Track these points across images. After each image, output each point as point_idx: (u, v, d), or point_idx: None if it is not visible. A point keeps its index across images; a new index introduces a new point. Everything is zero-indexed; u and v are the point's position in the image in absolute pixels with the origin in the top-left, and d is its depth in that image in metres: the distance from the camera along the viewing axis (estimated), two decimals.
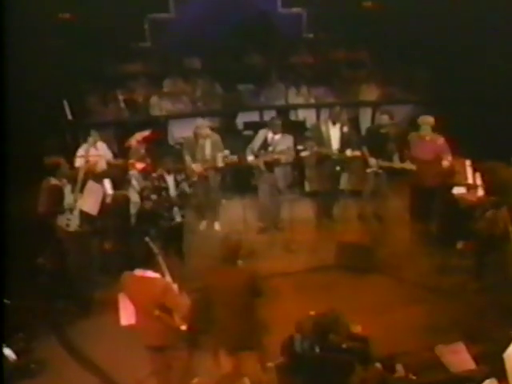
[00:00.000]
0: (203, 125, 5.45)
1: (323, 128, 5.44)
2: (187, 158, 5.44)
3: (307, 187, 6.49)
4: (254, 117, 7.24)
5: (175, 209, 4.79)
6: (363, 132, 6.37)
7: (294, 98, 7.48)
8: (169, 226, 4.79)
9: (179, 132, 6.87)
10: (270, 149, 5.27)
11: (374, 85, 7.51)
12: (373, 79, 7.54)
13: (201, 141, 5.45)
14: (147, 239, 3.35)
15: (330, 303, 4.15)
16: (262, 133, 5.34)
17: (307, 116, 7.39)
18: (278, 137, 5.23)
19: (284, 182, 5.48)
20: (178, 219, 4.84)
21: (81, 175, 4.30)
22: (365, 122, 7.43)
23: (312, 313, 3.31)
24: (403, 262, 5.02)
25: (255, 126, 6.53)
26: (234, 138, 6.54)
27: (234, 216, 5.82)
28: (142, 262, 3.20)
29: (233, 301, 3.19)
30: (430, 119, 5.11)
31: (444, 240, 5.01)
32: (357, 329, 3.04)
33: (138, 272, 3.19)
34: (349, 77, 7.78)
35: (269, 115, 6.95)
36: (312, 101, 7.51)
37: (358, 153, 5.50)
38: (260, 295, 3.28)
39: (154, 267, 3.23)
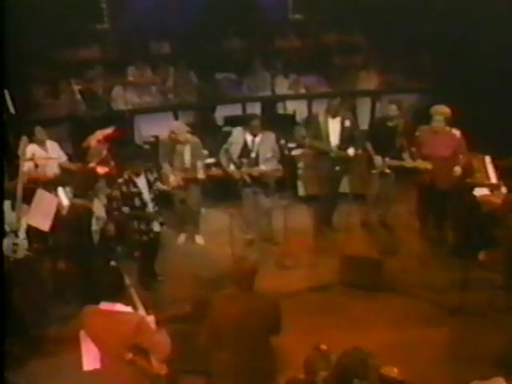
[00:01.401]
0: (181, 129, 5.21)
1: (321, 122, 5.25)
2: (165, 167, 5.23)
3: (301, 191, 6.40)
4: (235, 110, 7.16)
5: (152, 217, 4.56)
6: (361, 125, 6.32)
7: (281, 87, 7.46)
8: (142, 240, 4.56)
9: (148, 129, 6.79)
10: (253, 155, 5.10)
11: (373, 72, 7.51)
12: (371, 66, 7.54)
13: (179, 147, 5.23)
14: (114, 264, 3.11)
15: (335, 329, 4.11)
16: (237, 133, 5.17)
17: (297, 108, 7.36)
18: (258, 139, 5.07)
19: (269, 188, 5.26)
20: (157, 229, 4.61)
21: (20, 184, 3.89)
22: (363, 114, 7.36)
23: (323, 347, 2.99)
24: (417, 278, 4.88)
25: (237, 121, 6.41)
26: (212, 135, 6.39)
27: (216, 227, 5.61)
28: (109, 292, 2.88)
29: (245, 337, 2.90)
30: (446, 109, 4.95)
31: (464, 250, 4.84)
32: (392, 372, 2.72)
33: (104, 306, 2.86)
34: (343, 63, 7.78)
35: (253, 108, 7.06)
36: (302, 91, 7.47)
37: (360, 150, 5.39)
38: (278, 331, 3.02)
39: (124, 299, 2.93)
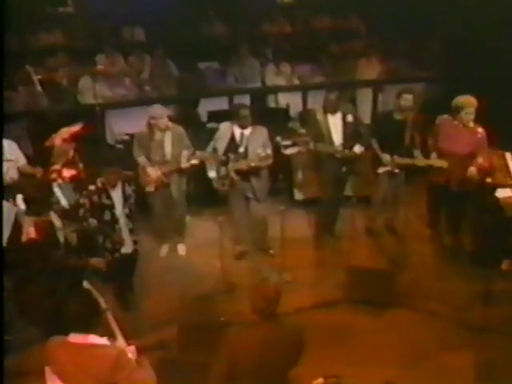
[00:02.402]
0: (162, 113, 5.02)
1: (320, 120, 5.09)
2: (141, 159, 5.05)
3: (297, 194, 6.29)
4: (221, 104, 6.97)
5: (124, 233, 4.36)
6: (363, 120, 6.23)
7: (272, 78, 7.39)
8: (112, 257, 4.37)
9: (121, 126, 6.63)
10: (241, 150, 4.93)
11: (374, 59, 7.48)
12: (372, 52, 7.52)
13: (158, 135, 5.03)
14: (87, 285, 2.86)
15: (341, 354, 4.03)
16: (224, 128, 5.03)
17: (290, 101, 7.25)
18: (248, 132, 4.91)
19: (262, 189, 5.15)
20: (128, 250, 4.44)
21: None
22: (364, 106, 7.29)
23: (333, 380, 2.82)
24: (433, 291, 4.82)
25: (223, 116, 6.21)
26: (195, 132, 6.17)
27: (202, 238, 5.57)
28: (80, 320, 2.66)
29: (265, 373, 2.73)
30: (474, 100, 4.78)
31: (484, 258, 4.73)
32: None
33: (75, 338, 2.64)
34: (340, 50, 7.78)
35: (241, 101, 6.70)
36: (296, 82, 7.43)
37: (363, 148, 5.26)
38: (296, 364, 2.85)
39: (99, 328, 2.74)
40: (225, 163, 4.93)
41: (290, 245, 5.03)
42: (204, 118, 6.98)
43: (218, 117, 6.57)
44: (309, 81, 7.41)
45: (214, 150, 5.01)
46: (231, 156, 4.91)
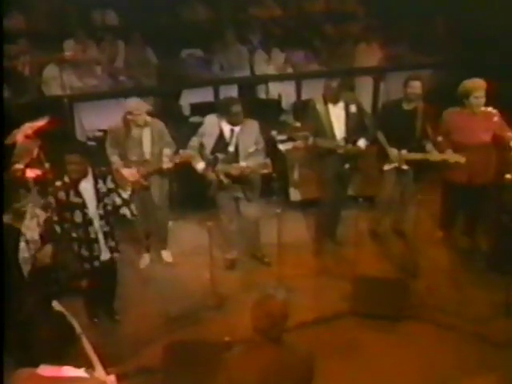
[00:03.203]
0: (140, 108, 4.90)
1: (320, 111, 5.01)
2: (115, 159, 4.95)
3: (294, 195, 6.25)
4: (205, 95, 6.91)
5: (100, 239, 4.21)
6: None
7: (262, 66, 7.38)
8: (86, 269, 4.25)
9: (92, 121, 6.53)
10: (231, 149, 4.83)
11: (374, 45, 7.49)
12: (372, 37, 7.52)
13: (135, 131, 4.91)
14: (58, 306, 2.77)
15: (347, 374, 3.95)
16: (210, 122, 4.92)
17: (282, 92, 7.23)
18: (238, 129, 4.81)
19: (254, 190, 5.08)
20: (105, 257, 4.28)
21: None
22: (364, 96, 7.18)
23: None
24: (449, 301, 4.78)
25: (208, 110, 6.12)
26: (177, 127, 6.13)
27: (188, 245, 5.55)
28: (52, 350, 2.51)
29: None
30: (482, 83, 4.77)
31: (504, 264, 4.70)
32: None
33: (45, 370, 2.48)
34: (336, 35, 7.79)
35: (227, 92, 6.68)
36: (288, 70, 7.40)
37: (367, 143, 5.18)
38: None
39: (74, 356, 2.60)
40: (213, 163, 4.81)
41: (287, 252, 5.01)
42: (186, 112, 6.92)
43: (201, 110, 6.47)
44: (303, 69, 7.38)
45: (201, 145, 4.90)
46: (220, 156, 4.80)
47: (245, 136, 4.83)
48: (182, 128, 6.29)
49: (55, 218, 4.09)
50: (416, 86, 4.98)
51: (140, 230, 5.29)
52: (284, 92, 7.18)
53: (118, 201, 4.23)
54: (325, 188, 5.28)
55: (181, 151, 4.84)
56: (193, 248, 5.41)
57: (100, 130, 6.28)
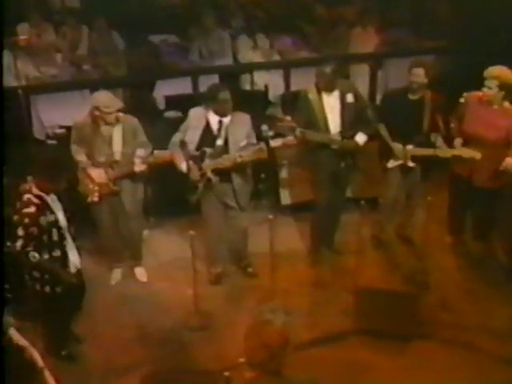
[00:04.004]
0: (110, 102, 4.74)
1: (313, 101, 4.93)
2: (80, 158, 4.81)
3: (284, 198, 6.19)
4: (182, 87, 6.87)
5: (71, 254, 4.08)
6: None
7: (246, 53, 7.34)
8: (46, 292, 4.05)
9: (53, 116, 6.40)
10: (219, 142, 4.75)
11: (370, 28, 7.51)
12: (367, 20, 7.52)
13: (104, 128, 4.76)
14: (13, 333, 2.69)
15: None
16: (196, 115, 4.86)
17: (269, 82, 7.16)
18: (227, 120, 4.77)
19: (246, 193, 5.01)
20: (73, 269, 4.15)
21: None
22: (360, 86, 6.87)
23: None
24: (464, 316, 4.72)
25: (186, 103, 6.25)
26: (150, 124, 5.96)
27: (167, 257, 5.50)
28: None
29: None
30: (499, 72, 4.72)
31: None
32: None
33: None
34: (328, 18, 7.78)
35: (207, 83, 6.47)
36: (276, 57, 7.36)
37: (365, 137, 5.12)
38: None
39: None
40: (199, 160, 4.70)
41: (279, 262, 4.88)
42: (161, 105, 6.85)
43: (178, 103, 6.51)
44: (291, 56, 7.37)
45: (182, 143, 4.77)
46: (207, 151, 4.69)
47: (235, 128, 4.76)
48: (156, 124, 6.24)
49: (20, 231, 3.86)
50: (419, 74, 4.94)
51: (110, 242, 5.16)
52: (271, 82, 7.13)
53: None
54: (319, 189, 5.21)
55: (156, 152, 4.74)
56: (172, 260, 5.38)
57: (62, 127, 6.14)
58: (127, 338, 4.54)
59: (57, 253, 3.97)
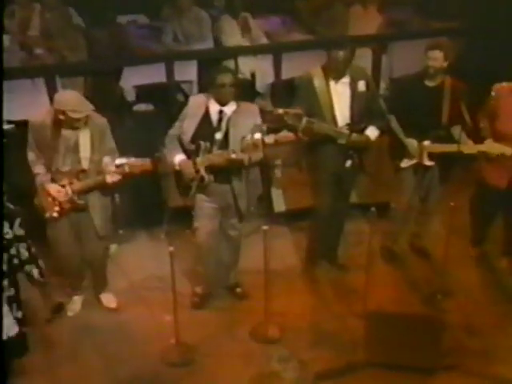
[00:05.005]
0: (78, 107, 4.49)
1: (318, 88, 4.80)
2: (38, 170, 4.62)
3: (278, 204, 6.15)
4: (155, 75, 6.70)
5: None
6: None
7: (229, 36, 7.19)
8: None
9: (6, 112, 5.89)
10: (218, 136, 4.60)
11: (371, 8, 7.47)
12: None
13: (68, 133, 4.54)
14: None
15: None
16: (195, 103, 4.74)
17: (257, 69, 7.11)
18: (230, 109, 4.65)
19: (248, 197, 4.85)
20: (12, 332, 4.04)
21: None
22: None
23: None
24: (494, 345, 4.59)
25: (159, 94, 6.40)
26: (117, 119, 5.92)
27: (137, 276, 5.38)
28: None
29: None
30: None
31: None
32: None
33: None
34: None
35: (184, 71, 6.69)
36: (263, 40, 7.29)
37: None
38: None
39: None
40: (194, 155, 4.59)
41: (273, 281, 4.74)
42: (130, 97, 6.76)
43: (150, 94, 6.54)
44: (282, 39, 7.32)
45: (176, 136, 4.69)
46: (202, 145, 4.53)
47: (238, 120, 4.61)
48: (123, 120, 6.26)
49: None
50: (437, 57, 4.84)
51: (68, 264, 4.98)
52: (258, 70, 7.07)
53: (25, 254, 4.10)
54: (320, 194, 5.11)
55: (133, 160, 4.51)
56: (145, 280, 5.28)
57: (10, 122, 5.89)
58: (91, 377, 4.35)
59: None
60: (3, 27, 4.91)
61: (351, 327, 4.68)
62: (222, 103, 4.59)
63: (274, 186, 6.10)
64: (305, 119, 4.61)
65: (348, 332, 4.68)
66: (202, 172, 4.55)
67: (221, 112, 4.62)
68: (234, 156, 4.48)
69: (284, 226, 6.01)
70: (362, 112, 4.85)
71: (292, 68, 6.57)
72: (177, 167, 4.66)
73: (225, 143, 4.60)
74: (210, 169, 4.58)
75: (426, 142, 4.89)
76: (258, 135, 4.43)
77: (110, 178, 4.52)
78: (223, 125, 4.61)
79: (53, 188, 4.56)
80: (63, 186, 4.57)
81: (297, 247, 5.69)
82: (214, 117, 4.63)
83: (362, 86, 4.83)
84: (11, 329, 4.03)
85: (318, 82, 4.79)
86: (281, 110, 5.06)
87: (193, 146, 4.59)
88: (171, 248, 4.21)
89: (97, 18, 7.03)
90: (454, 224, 5.10)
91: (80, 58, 6.76)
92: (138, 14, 7.39)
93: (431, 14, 7.48)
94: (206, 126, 4.63)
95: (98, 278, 5.15)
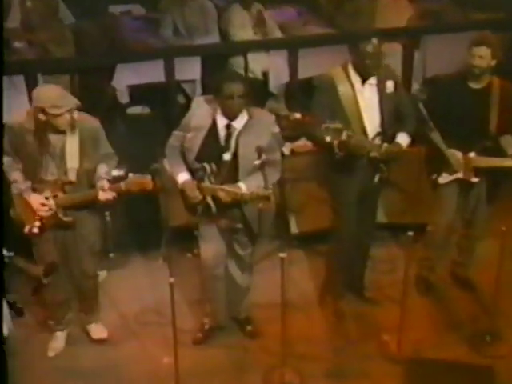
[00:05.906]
0: (59, 101, 4.34)
1: (342, 93, 4.65)
2: (15, 177, 4.53)
3: (292, 225, 6.02)
4: (152, 73, 6.66)
5: None
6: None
7: (238, 29, 7.16)
8: None
9: None
10: (227, 157, 4.41)
11: None
12: None
13: (53, 138, 4.43)
14: None
15: None
16: (201, 112, 4.53)
17: (269, 67, 7.10)
18: (239, 124, 4.43)
19: (261, 220, 4.67)
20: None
21: None
22: None
23: None
24: None
25: (156, 95, 6.51)
26: (108, 123, 5.73)
27: (131, 308, 5.30)
28: None
29: None
30: None
31: None
32: None
33: None
34: None
35: (186, 68, 6.69)
36: (278, 35, 7.31)
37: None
38: None
39: None
40: (200, 176, 4.45)
41: (290, 316, 4.53)
42: (124, 98, 6.73)
43: (146, 95, 6.62)
44: (298, 32, 7.34)
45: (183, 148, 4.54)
46: (207, 169, 4.36)
47: (250, 138, 4.38)
48: (115, 125, 6.37)
49: None
50: (483, 55, 4.68)
51: (51, 292, 4.85)
52: (272, 68, 7.04)
53: None
54: (342, 213, 4.97)
55: (131, 176, 4.38)
56: (140, 314, 5.17)
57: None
58: None
59: None
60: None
61: (383, 373, 4.54)
62: (230, 117, 4.38)
63: (291, 209, 5.99)
64: (345, 133, 4.42)
65: (379, 379, 4.52)
66: (209, 201, 4.42)
67: (228, 127, 4.42)
68: (242, 192, 4.31)
69: (299, 249, 5.93)
70: (392, 118, 4.72)
71: (309, 66, 6.56)
72: (180, 186, 4.50)
73: (233, 165, 4.44)
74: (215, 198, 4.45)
75: (472, 154, 4.75)
76: (276, 156, 4.33)
77: (103, 196, 4.38)
78: (232, 143, 4.43)
79: (34, 199, 4.43)
80: (46, 199, 4.42)
81: (315, 275, 5.60)
82: (222, 133, 4.43)
83: (390, 86, 4.71)
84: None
85: (341, 85, 4.65)
86: (298, 115, 4.93)
87: (198, 165, 4.40)
88: (171, 279, 4.03)
89: (86, 7, 7.06)
90: (506, 251, 4.91)
91: (66, 53, 6.77)
92: (132, 3, 7.55)
93: (471, 3, 7.45)
94: (212, 144, 4.46)
95: (88, 304, 5.02)
